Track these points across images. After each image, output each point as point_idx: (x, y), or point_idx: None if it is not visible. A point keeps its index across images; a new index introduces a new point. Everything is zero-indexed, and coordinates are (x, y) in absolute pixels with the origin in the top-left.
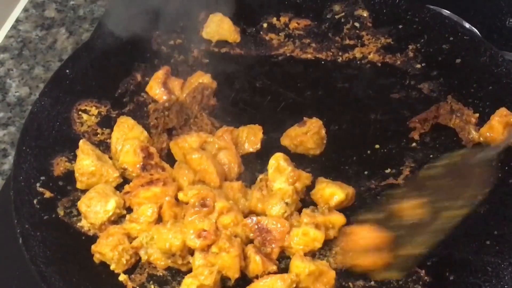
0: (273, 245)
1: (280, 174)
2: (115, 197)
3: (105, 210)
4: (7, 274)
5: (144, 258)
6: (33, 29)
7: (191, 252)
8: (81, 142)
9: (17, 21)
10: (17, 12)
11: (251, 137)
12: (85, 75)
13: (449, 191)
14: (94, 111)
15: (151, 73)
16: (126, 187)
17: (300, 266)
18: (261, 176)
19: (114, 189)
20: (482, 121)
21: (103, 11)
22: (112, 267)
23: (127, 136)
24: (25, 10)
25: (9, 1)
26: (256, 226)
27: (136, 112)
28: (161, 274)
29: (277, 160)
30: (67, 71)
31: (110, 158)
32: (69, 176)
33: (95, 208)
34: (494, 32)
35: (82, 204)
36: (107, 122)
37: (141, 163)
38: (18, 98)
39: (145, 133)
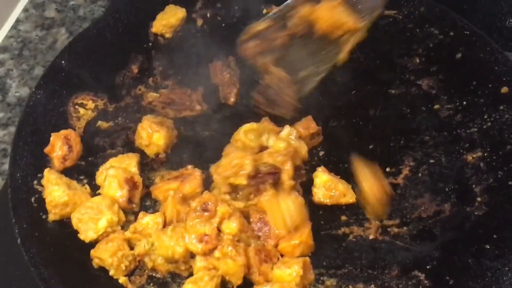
0: (271, 241)
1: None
2: (107, 216)
3: (96, 228)
4: (7, 274)
5: (149, 265)
6: (33, 29)
7: (193, 256)
8: (46, 172)
9: (17, 21)
10: (17, 12)
11: None
12: (81, 67)
13: None
14: (90, 104)
15: (147, 65)
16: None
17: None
18: None
19: (113, 202)
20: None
21: (103, 11)
22: (111, 273)
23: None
24: (25, 10)
25: (9, 1)
26: (258, 224)
27: (133, 106)
28: (160, 276)
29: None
30: (63, 62)
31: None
32: (66, 173)
33: (85, 225)
34: (494, 32)
35: (74, 218)
36: (104, 116)
37: (127, 197)
38: (18, 98)
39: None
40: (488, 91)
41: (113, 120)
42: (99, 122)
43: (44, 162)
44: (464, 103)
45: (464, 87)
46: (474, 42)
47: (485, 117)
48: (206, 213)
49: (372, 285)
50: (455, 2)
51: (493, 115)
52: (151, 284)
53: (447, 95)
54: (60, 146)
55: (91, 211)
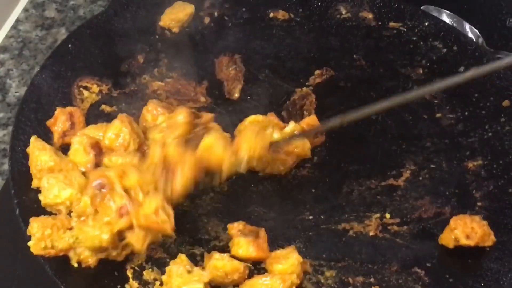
0: None
1: None
2: (74, 190)
3: (56, 196)
4: (7, 273)
5: (75, 259)
6: (33, 29)
7: (121, 238)
8: (32, 139)
9: (17, 21)
10: (17, 12)
11: None
12: (87, 51)
13: None
14: (95, 88)
15: (153, 57)
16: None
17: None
18: None
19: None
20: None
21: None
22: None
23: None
24: (25, 10)
25: (9, 1)
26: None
27: (137, 94)
28: (159, 256)
29: None
30: (69, 46)
31: None
32: (64, 150)
33: (50, 188)
34: (494, 32)
35: (44, 179)
36: (108, 101)
37: (94, 162)
38: (18, 98)
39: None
40: (489, 103)
41: (116, 105)
42: (103, 106)
43: (46, 139)
44: (466, 113)
45: (466, 99)
46: (477, 57)
47: (486, 127)
48: (104, 190)
49: (372, 279)
50: (455, 2)
51: (494, 126)
52: (150, 263)
53: (449, 105)
54: (63, 121)
55: (62, 178)
